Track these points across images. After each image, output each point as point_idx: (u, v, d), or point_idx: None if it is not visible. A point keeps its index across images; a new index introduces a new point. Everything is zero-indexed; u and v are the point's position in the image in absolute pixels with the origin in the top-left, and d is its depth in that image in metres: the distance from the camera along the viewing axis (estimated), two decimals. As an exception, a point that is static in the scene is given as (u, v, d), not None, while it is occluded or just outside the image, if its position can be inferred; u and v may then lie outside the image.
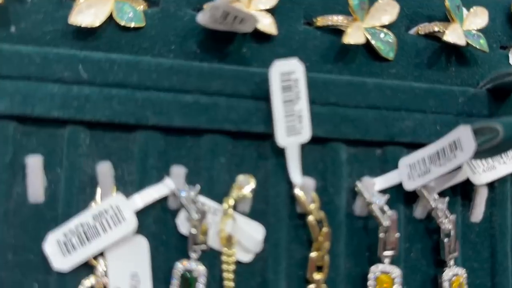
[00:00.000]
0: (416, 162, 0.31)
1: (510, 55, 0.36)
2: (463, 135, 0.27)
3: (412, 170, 0.31)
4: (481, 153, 0.27)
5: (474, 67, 0.35)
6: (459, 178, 0.32)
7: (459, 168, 0.32)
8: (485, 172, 0.32)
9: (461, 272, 0.32)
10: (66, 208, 0.28)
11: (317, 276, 0.30)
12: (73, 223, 0.28)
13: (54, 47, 0.29)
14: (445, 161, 0.29)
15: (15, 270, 0.28)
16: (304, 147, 0.31)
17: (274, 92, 0.29)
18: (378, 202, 0.31)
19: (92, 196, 0.29)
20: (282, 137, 0.29)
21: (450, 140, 0.28)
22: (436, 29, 0.34)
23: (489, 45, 0.36)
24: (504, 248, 0.33)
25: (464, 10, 0.35)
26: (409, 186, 0.31)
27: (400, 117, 0.32)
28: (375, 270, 0.30)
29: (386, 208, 0.31)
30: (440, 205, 0.31)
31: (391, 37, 0.33)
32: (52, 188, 0.28)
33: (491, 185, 0.34)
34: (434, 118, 0.32)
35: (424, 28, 0.34)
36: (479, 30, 0.35)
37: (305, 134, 0.30)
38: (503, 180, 0.34)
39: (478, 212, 0.33)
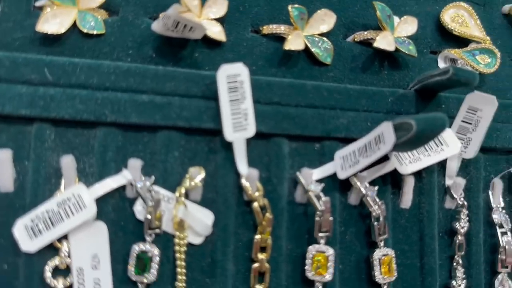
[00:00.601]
0: (348, 154, 0.34)
1: (438, 59, 0.41)
2: (385, 130, 0.31)
3: (345, 162, 0.34)
4: (401, 146, 0.31)
5: (405, 70, 0.39)
6: (387, 169, 0.36)
7: (387, 159, 0.36)
8: (411, 164, 0.36)
9: (390, 252, 0.35)
10: (33, 197, 0.31)
11: (261, 256, 0.34)
12: (39, 210, 0.31)
13: (22, 52, 0.32)
14: (371, 152, 0.32)
15: (-14, 253, 0.31)
16: (250, 142, 0.34)
17: (221, 93, 0.33)
18: (315, 190, 0.34)
19: (56, 186, 0.32)
20: (229, 133, 0.33)
21: (375, 134, 0.32)
22: (369, 36, 0.37)
23: (419, 50, 0.40)
24: (431, 232, 0.37)
25: (397, 19, 0.39)
26: (342, 175, 0.35)
27: (336, 115, 0.36)
28: (312, 250, 0.34)
29: (322, 195, 0.34)
30: (370, 193, 0.35)
31: (328, 44, 0.37)
32: (20, 179, 0.31)
33: (419, 176, 0.37)
34: (365, 116, 0.36)
35: (359, 35, 0.38)
36: (409, 37, 0.39)
37: (251, 130, 0.33)
38: (430, 171, 0.37)
39: (406, 199, 0.37)
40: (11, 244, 0.31)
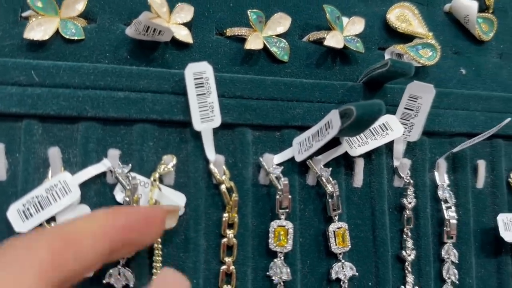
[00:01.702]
0: (303, 140, 0.39)
1: (386, 54, 0.45)
2: (333, 117, 0.36)
3: (301, 146, 0.39)
4: (346, 130, 0.36)
5: (355, 65, 0.44)
6: (339, 152, 0.40)
7: (339, 144, 0.40)
8: (360, 147, 0.40)
9: (344, 225, 0.40)
10: (24, 184, 0.35)
11: (229, 232, 0.38)
12: (29, 196, 0.34)
13: (11, 57, 0.36)
14: (322, 137, 0.37)
15: (-18, 235, 0.34)
16: (217, 132, 0.38)
17: (189, 88, 0.37)
18: (275, 172, 0.39)
19: (44, 175, 0.35)
20: (197, 124, 0.37)
21: (325, 121, 0.37)
22: (322, 36, 0.42)
23: (368, 47, 0.45)
24: (382, 208, 0.41)
25: (346, 19, 0.43)
26: (298, 159, 0.39)
27: (293, 106, 0.40)
28: (274, 224, 0.38)
29: (281, 176, 0.39)
30: (324, 174, 0.39)
31: (285, 44, 0.42)
32: (12, 169, 0.35)
33: (369, 158, 0.42)
34: (319, 106, 0.40)
35: (313, 35, 0.43)
36: (357, 36, 0.43)
37: (217, 120, 0.38)
38: (379, 153, 0.42)
39: (358, 179, 0.41)
40: (5, 226, 0.34)
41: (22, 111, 0.35)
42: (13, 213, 0.34)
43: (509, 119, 0.42)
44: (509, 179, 0.47)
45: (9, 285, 0.22)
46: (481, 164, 0.46)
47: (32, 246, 0.25)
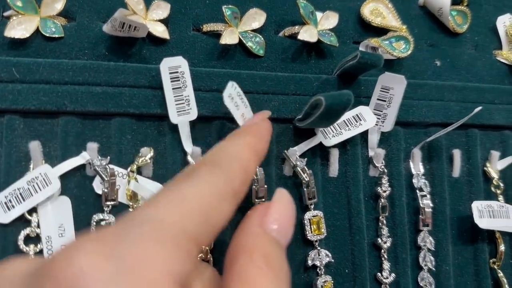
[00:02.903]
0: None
1: (360, 48, 0.46)
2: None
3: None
4: (317, 121, 0.37)
5: (330, 59, 0.45)
6: (314, 143, 0.41)
7: (314, 135, 0.41)
8: (334, 137, 0.41)
9: (319, 214, 0.41)
10: (6, 177, 0.36)
11: (206, 221, 0.39)
12: (11, 188, 0.36)
13: (-8, 55, 0.38)
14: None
15: (-34, 226, 0.36)
16: (195, 125, 0.39)
17: (165, 82, 0.38)
18: (251, 163, 0.40)
19: (26, 168, 0.37)
20: (174, 117, 0.38)
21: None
22: (296, 31, 0.43)
23: (343, 41, 0.46)
24: (357, 196, 0.42)
25: (321, 14, 0.45)
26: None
27: (268, 99, 0.41)
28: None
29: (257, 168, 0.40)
30: (299, 163, 0.40)
31: (260, 39, 0.43)
32: (-6, 163, 0.37)
33: (344, 148, 0.43)
34: (294, 98, 0.41)
35: (288, 30, 0.44)
36: (331, 30, 0.44)
37: (193, 113, 0.39)
38: (354, 144, 0.43)
39: (333, 169, 0.42)
40: (-12, 218, 0.36)
41: (3, 107, 0.36)
42: (-5, 205, 0.36)
43: (480, 107, 0.43)
44: (485, 168, 0.47)
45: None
46: (457, 153, 0.47)
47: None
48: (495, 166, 0.48)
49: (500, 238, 0.46)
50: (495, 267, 0.46)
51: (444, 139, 0.46)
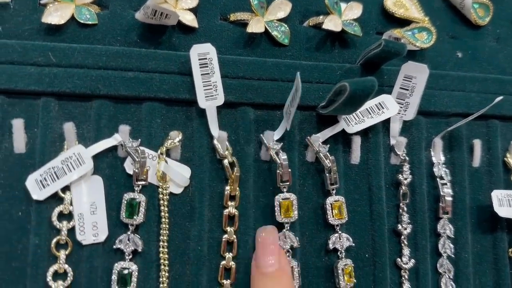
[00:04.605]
0: (286, 108, 0.41)
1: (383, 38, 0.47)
2: (296, 81, 0.36)
3: (285, 116, 0.41)
4: (341, 107, 0.38)
5: (353, 49, 0.46)
6: (336, 130, 0.42)
7: (337, 122, 0.42)
8: (357, 124, 0.42)
9: (341, 199, 0.42)
10: (41, 156, 0.38)
11: (231, 203, 0.40)
12: (46, 166, 0.37)
13: (31, 40, 0.39)
14: (294, 102, 0.38)
15: (4, 203, 0.37)
16: (221, 110, 0.41)
17: (194, 68, 0.39)
18: (275, 148, 0.41)
19: (60, 148, 0.38)
20: (202, 102, 0.40)
21: (294, 88, 0.39)
22: (321, 21, 0.44)
23: (366, 31, 0.47)
24: (378, 183, 0.43)
25: (345, 5, 0.45)
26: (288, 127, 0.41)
27: (292, 86, 0.42)
28: (278, 198, 0.40)
29: (280, 152, 0.41)
30: (322, 150, 0.41)
31: (285, 28, 0.44)
32: (31, 143, 0.38)
33: (366, 136, 0.44)
34: (318, 86, 0.43)
35: (312, 20, 0.45)
36: (355, 20, 0.45)
37: (220, 99, 0.40)
38: (376, 132, 0.44)
39: (355, 156, 0.43)
40: (24, 195, 0.37)
41: (40, 89, 0.38)
42: (31, 183, 0.37)
43: (501, 97, 0.44)
44: (505, 159, 0.48)
45: None
46: (477, 144, 0.47)
47: None
48: (515, 157, 0.48)
49: (520, 228, 0.47)
50: (515, 256, 0.47)
51: (465, 129, 0.47)
